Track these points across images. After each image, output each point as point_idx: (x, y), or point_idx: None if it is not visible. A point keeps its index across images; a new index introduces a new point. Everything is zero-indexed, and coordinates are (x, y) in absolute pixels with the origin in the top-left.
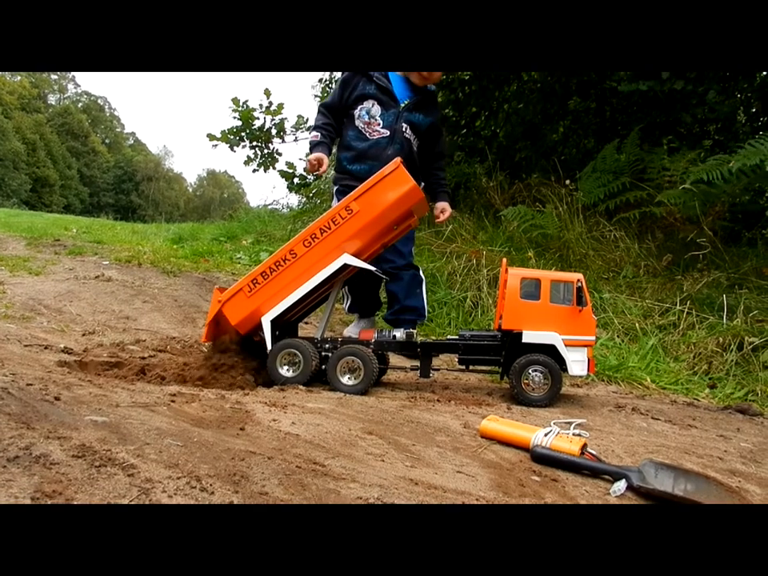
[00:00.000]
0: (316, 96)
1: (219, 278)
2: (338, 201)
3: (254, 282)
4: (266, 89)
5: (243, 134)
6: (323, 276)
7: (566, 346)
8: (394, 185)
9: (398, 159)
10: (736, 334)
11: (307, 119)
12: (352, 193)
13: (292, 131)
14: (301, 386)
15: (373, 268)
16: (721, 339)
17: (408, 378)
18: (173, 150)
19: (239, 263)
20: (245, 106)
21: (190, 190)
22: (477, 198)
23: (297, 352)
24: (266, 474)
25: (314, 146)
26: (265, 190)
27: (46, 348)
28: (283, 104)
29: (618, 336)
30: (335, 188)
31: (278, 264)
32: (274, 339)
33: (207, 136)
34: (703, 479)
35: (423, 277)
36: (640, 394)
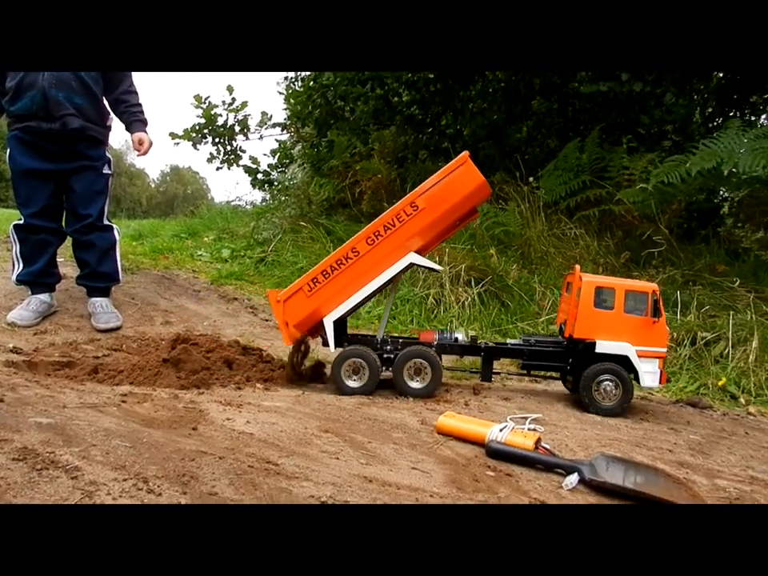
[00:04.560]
0: (281, 93)
1: (179, 276)
2: (12, 148)
3: (315, 281)
4: (229, 85)
5: (206, 131)
6: (390, 275)
7: (638, 357)
8: (462, 181)
9: (465, 153)
10: (689, 329)
11: (272, 116)
12: (417, 188)
13: (257, 129)
14: (258, 385)
15: (440, 268)
16: (675, 334)
17: None
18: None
19: (200, 260)
20: (207, 103)
21: (153, 185)
22: None
23: (362, 361)
24: (217, 474)
25: None
26: (230, 186)
27: None
28: (247, 102)
29: None
30: (9, 137)
31: (339, 262)
32: (337, 339)
33: (169, 135)
34: (652, 471)
35: (117, 237)
36: None
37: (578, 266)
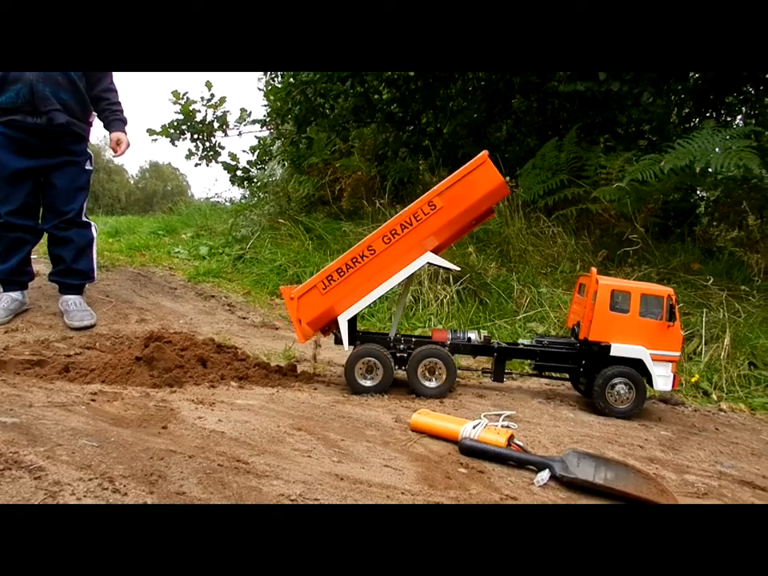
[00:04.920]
0: (260, 89)
1: (155, 273)
2: None
3: (329, 278)
4: (208, 81)
5: (184, 127)
6: (406, 274)
7: (652, 360)
8: (481, 181)
9: (485, 153)
10: None
11: (251, 112)
12: (435, 187)
13: (236, 125)
14: (233, 383)
15: (457, 268)
16: None
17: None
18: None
19: (177, 257)
20: (185, 98)
21: (132, 182)
22: (420, 193)
23: (375, 360)
24: (185, 473)
25: None
26: (210, 182)
27: None
28: (225, 97)
29: (553, 329)
30: None
31: (354, 260)
32: (350, 338)
33: (147, 131)
34: (623, 467)
35: (95, 234)
36: (571, 386)
37: (594, 269)
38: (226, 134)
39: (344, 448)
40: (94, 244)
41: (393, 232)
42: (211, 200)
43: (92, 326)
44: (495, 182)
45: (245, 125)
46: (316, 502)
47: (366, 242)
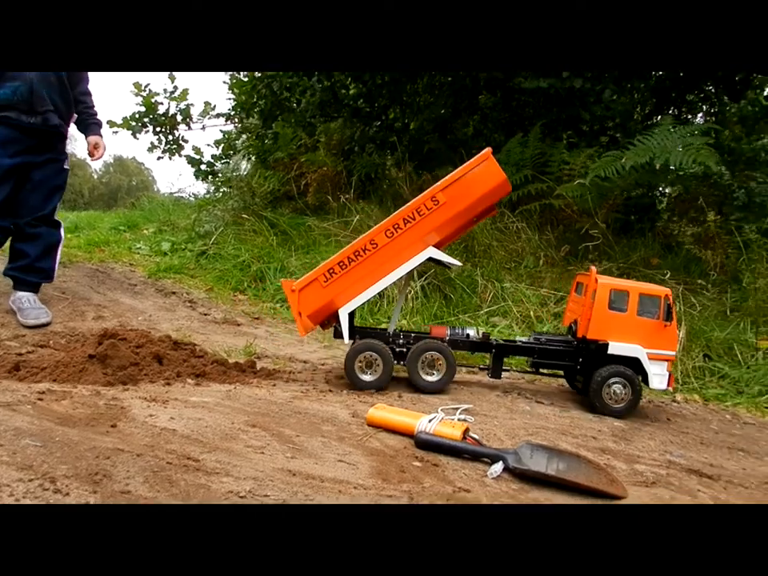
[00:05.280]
0: (225, 83)
1: (114, 269)
2: None
3: (331, 271)
4: (170, 73)
5: (146, 119)
6: (408, 268)
7: (648, 359)
8: (484, 177)
9: (488, 149)
10: None
11: (215, 106)
12: (439, 183)
13: (199, 119)
14: (189, 380)
15: (459, 263)
16: None
17: (305, 368)
18: (75, 134)
19: (138, 253)
20: (147, 90)
21: (95, 176)
22: (386, 188)
23: (375, 355)
24: (132, 471)
25: None
26: (175, 177)
27: None
28: (188, 90)
29: (516, 324)
30: None
31: (357, 254)
32: (350, 332)
33: (107, 123)
34: (575, 458)
35: (62, 235)
36: (531, 379)
37: (593, 268)
38: (189, 128)
39: (298, 444)
40: (61, 245)
41: (395, 226)
42: (175, 195)
43: (48, 324)
44: (498, 178)
45: (209, 118)
46: (266, 498)
47: (369, 235)
